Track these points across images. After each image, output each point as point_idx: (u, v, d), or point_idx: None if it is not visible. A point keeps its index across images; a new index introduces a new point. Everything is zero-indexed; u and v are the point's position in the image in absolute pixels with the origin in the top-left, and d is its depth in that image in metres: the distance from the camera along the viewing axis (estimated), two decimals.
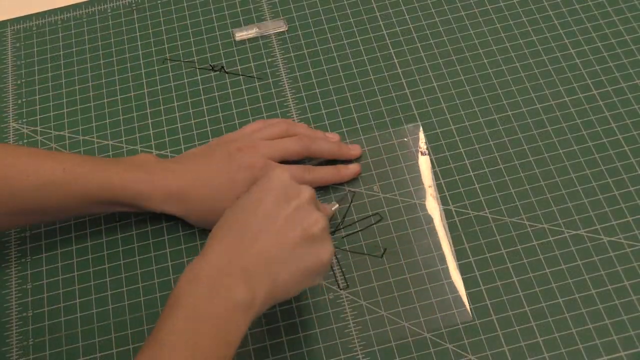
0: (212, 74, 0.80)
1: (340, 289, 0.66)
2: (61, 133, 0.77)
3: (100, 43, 0.84)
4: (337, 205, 0.68)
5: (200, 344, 0.51)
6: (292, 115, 0.76)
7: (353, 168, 0.71)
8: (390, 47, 0.80)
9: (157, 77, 0.80)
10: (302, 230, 0.56)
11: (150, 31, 0.84)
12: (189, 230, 0.70)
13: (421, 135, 0.72)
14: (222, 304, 0.53)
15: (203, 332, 0.52)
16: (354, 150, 0.72)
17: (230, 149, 0.67)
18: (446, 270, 0.66)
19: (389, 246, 0.67)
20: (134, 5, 0.86)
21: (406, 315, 0.64)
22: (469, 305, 0.64)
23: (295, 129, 0.71)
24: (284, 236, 0.56)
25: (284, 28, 0.82)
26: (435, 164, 0.71)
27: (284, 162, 0.68)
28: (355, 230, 0.68)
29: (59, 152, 0.70)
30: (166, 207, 0.67)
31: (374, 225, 0.68)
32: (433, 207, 0.69)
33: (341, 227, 0.69)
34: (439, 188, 0.70)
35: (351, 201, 0.70)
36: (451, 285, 0.65)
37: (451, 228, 0.68)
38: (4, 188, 0.64)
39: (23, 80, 0.82)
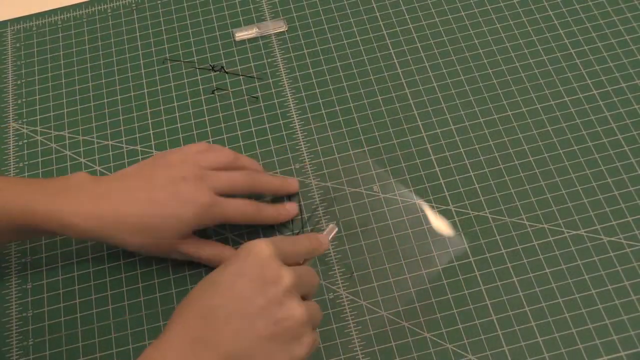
0: (212, 74, 0.80)
1: (351, 274, 0.65)
2: (61, 133, 0.77)
3: (100, 43, 0.84)
4: (336, 229, 0.62)
5: None
6: (292, 115, 0.76)
7: (293, 209, 0.68)
8: (390, 47, 0.80)
9: (157, 77, 0.80)
10: (276, 324, 0.50)
11: (150, 31, 0.84)
12: None
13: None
14: None
15: None
16: (294, 184, 0.69)
17: (173, 176, 0.61)
18: (447, 270, 0.65)
19: (389, 246, 0.67)
20: (134, 5, 0.86)
21: (406, 315, 0.64)
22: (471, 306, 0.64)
23: (242, 161, 0.66)
24: (255, 329, 0.50)
25: (284, 28, 0.82)
26: (435, 164, 0.71)
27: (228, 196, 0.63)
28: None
29: None
30: (97, 235, 0.61)
31: (374, 226, 0.68)
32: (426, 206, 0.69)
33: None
34: (439, 188, 0.70)
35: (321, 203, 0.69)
36: (451, 285, 0.65)
37: (451, 228, 0.68)
38: None
39: (23, 80, 0.82)
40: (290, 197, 0.70)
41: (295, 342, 0.51)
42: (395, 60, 0.79)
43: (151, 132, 0.76)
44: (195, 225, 0.62)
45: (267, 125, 0.76)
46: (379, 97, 0.76)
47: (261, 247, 0.52)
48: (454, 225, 0.68)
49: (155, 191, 0.61)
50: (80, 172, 0.65)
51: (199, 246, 0.64)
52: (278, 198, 0.70)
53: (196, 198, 0.61)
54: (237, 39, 0.82)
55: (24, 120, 0.79)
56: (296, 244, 0.57)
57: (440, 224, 0.68)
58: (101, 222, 0.61)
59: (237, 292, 0.51)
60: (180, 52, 0.82)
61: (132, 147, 0.76)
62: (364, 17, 0.82)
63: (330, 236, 0.61)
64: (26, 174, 0.75)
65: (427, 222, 0.68)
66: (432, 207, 0.69)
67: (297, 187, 0.70)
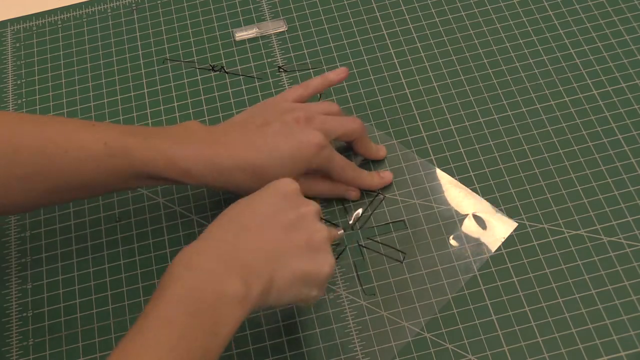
0: (212, 74, 0.80)
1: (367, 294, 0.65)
2: None
3: (100, 43, 0.84)
4: (342, 231, 0.66)
5: (186, 333, 0.49)
6: None
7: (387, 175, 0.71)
8: (390, 47, 0.80)
9: (157, 77, 0.80)
10: (307, 235, 0.56)
11: (150, 31, 0.84)
12: (189, 230, 0.70)
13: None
14: (214, 294, 0.51)
15: (191, 321, 0.50)
16: (383, 149, 0.72)
17: (286, 120, 0.64)
18: (447, 270, 0.66)
19: (389, 247, 0.67)
20: (134, 5, 0.86)
21: (406, 315, 0.64)
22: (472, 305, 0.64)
23: (344, 114, 0.70)
24: (287, 237, 0.55)
25: (283, 28, 0.82)
26: (435, 163, 0.71)
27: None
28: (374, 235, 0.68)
29: (99, 123, 0.65)
30: (217, 180, 0.63)
31: (374, 226, 0.68)
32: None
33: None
34: (439, 188, 0.70)
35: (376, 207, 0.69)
36: (451, 285, 0.65)
37: (451, 228, 0.68)
38: (42, 164, 0.60)
39: (23, 80, 0.82)
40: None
41: (321, 257, 0.56)
42: (395, 60, 0.79)
43: None
44: (307, 166, 0.64)
45: None
46: (379, 97, 0.76)
47: (288, 180, 0.58)
48: (453, 225, 0.68)
49: (270, 136, 0.63)
50: (192, 120, 0.66)
51: (311, 183, 0.67)
52: None
53: (309, 139, 0.64)
54: (237, 39, 0.82)
55: None
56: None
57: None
58: (219, 168, 0.62)
59: (271, 207, 0.56)
60: (180, 52, 0.82)
61: None
62: (364, 17, 0.82)
63: (338, 233, 0.65)
64: None
65: (428, 222, 0.68)
66: (432, 207, 0.69)
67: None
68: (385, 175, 0.70)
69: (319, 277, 0.56)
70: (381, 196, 0.69)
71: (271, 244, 0.55)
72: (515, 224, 0.66)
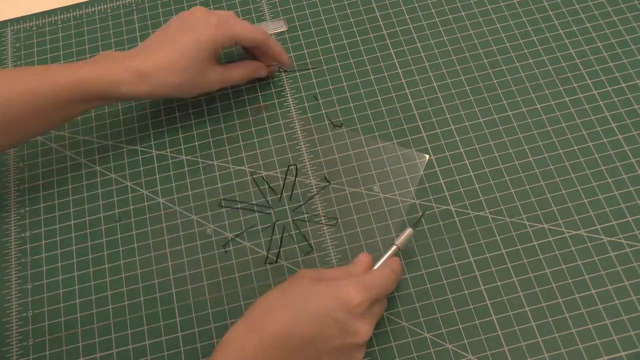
0: None
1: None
2: (61, 133, 0.77)
3: (100, 43, 0.84)
4: (411, 230, 0.64)
5: None
6: (292, 115, 0.76)
7: None
8: (390, 47, 0.80)
9: None
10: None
11: (150, 31, 0.84)
12: (188, 230, 0.70)
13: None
14: None
15: None
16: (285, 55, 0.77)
17: (186, 19, 0.70)
18: (447, 270, 0.66)
19: (389, 247, 0.67)
20: (134, 5, 0.86)
21: (406, 315, 0.64)
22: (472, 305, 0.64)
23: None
24: (320, 356, 0.57)
25: (284, 28, 0.82)
26: (435, 164, 0.71)
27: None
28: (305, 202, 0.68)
29: (29, 66, 0.74)
30: (143, 87, 0.68)
31: (374, 227, 0.68)
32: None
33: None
34: (439, 188, 0.70)
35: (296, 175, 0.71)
36: (451, 284, 0.65)
37: (451, 228, 0.68)
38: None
39: None
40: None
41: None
42: (395, 60, 0.79)
43: (151, 132, 0.76)
44: (213, 43, 0.70)
45: (267, 125, 0.75)
46: (379, 97, 0.76)
47: (355, 293, 0.57)
48: (454, 225, 0.68)
49: (176, 35, 0.70)
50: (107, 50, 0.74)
51: (229, 67, 0.74)
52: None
53: (207, 21, 0.70)
54: None
55: None
56: (385, 285, 0.61)
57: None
58: (144, 72, 0.68)
59: (318, 329, 0.56)
60: None
61: (132, 147, 0.76)
62: (364, 17, 0.82)
63: (406, 232, 0.64)
64: (26, 174, 0.75)
65: (428, 222, 0.68)
66: (432, 207, 0.69)
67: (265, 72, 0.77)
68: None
69: None
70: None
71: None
72: (426, 156, 0.67)
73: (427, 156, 0.66)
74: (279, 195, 0.70)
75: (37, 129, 0.68)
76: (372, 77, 0.78)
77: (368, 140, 0.73)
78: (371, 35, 0.81)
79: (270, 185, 0.72)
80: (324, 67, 0.79)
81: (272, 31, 0.82)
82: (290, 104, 0.77)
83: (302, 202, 0.70)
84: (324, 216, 0.69)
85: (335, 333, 0.56)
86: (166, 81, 0.68)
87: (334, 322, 0.56)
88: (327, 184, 0.70)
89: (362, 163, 0.72)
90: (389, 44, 0.80)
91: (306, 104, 0.77)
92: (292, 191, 0.70)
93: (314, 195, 0.70)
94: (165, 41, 0.70)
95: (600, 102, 0.73)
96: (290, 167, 0.71)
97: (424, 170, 0.70)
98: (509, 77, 0.76)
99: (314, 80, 0.78)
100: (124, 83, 0.67)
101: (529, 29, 0.79)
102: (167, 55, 0.68)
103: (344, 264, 0.67)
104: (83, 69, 0.67)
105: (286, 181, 0.71)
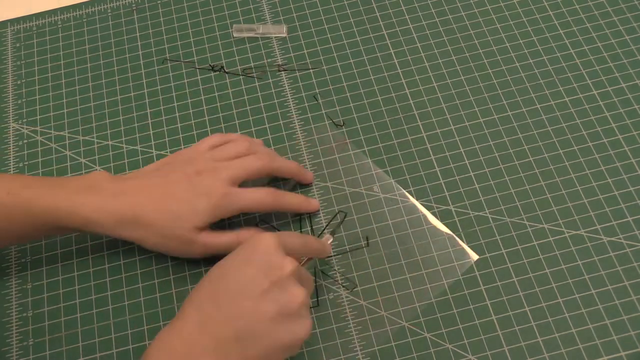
0: (212, 74, 0.80)
1: (349, 290, 0.65)
2: (61, 133, 0.77)
3: (100, 43, 0.84)
4: (332, 239, 0.66)
5: None
6: (292, 115, 0.76)
7: (316, 205, 0.69)
8: (390, 47, 0.80)
9: (157, 77, 0.80)
10: (279, 307, 0.54)
11: (150, 31, 0.84)
12: None
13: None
14: None
15: None
16: (310, 175, 0.71)
17: (188, 172, 0.64)
18: (446, 270, 0.66)
19: (389, 247, 0.67)
20: (134, 5, 0.86)
21: (406, 315, 0.64)
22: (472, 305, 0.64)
23: (255, 147, 0.68)
24: (260, 310, 0.54)
25: (284, 34, 0.82)
26: (435, 164, 0.71)
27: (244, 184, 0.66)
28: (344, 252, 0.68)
29: (6, 174, 0.68)
30: (119, 232, 0.63)
31: (374, 227, 0.69)
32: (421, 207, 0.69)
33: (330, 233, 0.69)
34: (439, 188, 0.70)
35: (341, 221, 0.69)
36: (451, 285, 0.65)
37: (451, 228, 0.68)
38: None
39: (23, 80, 0.82)
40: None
41: (296, 323, 0.55)
42: (395, 60, 0.79)
43: (151, 132, 0.76)
44: (210, 217, 0.63)
45: (267, 125, 0.75)
46: (379, 97, 0.76)
47: (267, 238, 0.56)
48: (454, 225, 0.68)
49: (171, 187, 0.64)
50: (97, 170, 0.67)
51: (216, 235, 0.65)
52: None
53: (210, 190, 0.63)
54: (236, 39, 0.82)
55: (24, 120, 0.79)
56: (303, 242, 0.61)
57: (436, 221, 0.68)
58: (121, 219, 0.63)
59: (243, 277, 0.55)
60: (180, 52, 0.82)
61: (132, 147, 0.76)
62: (364, 17, 0.82)
63: (328, 242, 0.65)
64: (26, 174, 0.75)
65: (427, 222, 0.68)
66: (432, 207, 0.69)
67: (312, 178, 0.71)
68: (313, 201, 0.69)
69: (293, 344, 0.55)
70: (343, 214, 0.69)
71: (243, 320, 0.54)
72: (476, 257, 0.66)
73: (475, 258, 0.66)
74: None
75: (3, 244, 0.66)
76: (372, 77, 0.78)
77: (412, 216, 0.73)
78: (371, 35, 0.81)
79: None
80: (324, 67, 0.79)
81: (273, 35, 0.82)
82: (290, 104, 0.77)
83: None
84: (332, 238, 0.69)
85: (257, 273, 0.54)
86: (143, 238, 0.64)
87: (253, 263, 0.55)
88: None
89: (362, 163, 0.72)
90: (389, 44, 0.80)
91: (306, 104, 0.77)
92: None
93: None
94: (156, 192, 0.64)
95: (600, 102, 0.73)
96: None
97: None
98: (509, 77, 0.76)
99: (314, 80, 0.78)
100: (103, 226, 0.63)
101: (529, 29, 0.79)
102: (153, 214, 0.63)
103: (343, 263, 0.67)
104: (61, 200, 0.62)
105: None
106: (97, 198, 0.63)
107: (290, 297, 0.55)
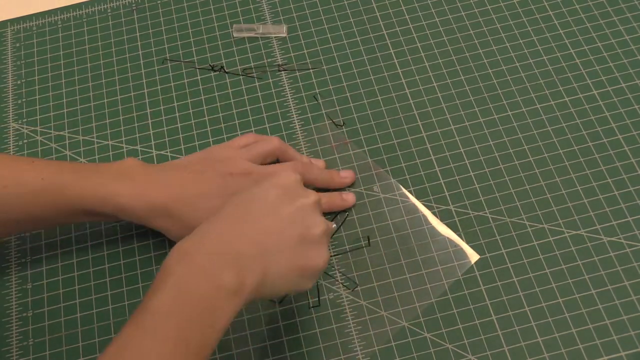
0: (212, 74, 0.80)
1: (351, 289, 0.65)
2: (61, 133, 0.77)
3: (100, 43, 0.84)
4: (334, 226, 0.66)
5: (183, 326, 0.50)
6: (292, 115, 0.76)
7: (351, 199, 0.70)
8: (390, 47, 0.80)
9: (157, 77, 0.80)
10: (303, 229, 0.56)
11: (150, 31, 0.84)
12: None
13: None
14: (209, 287, 0.51)
15: (188, 315, 0.50)
16: (347, 178, 0.71)
17: (222, 172, 0.65)
18: (446, 270, 0.66)
19: (389, 247, 0.67)
20: (134, 5, 0.86)
21: (406, 315, 0.64)
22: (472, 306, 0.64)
23: (288, 151, 0.69)
24: (284, 230, 0.55)
25: (284, 34, 0.82)
26: (435, 164, 0.71)
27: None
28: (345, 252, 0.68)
29: (40, 159, 0.68)
30: (150, 220, 0.64)
31: (374, 227, 0.69)
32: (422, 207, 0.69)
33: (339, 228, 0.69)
34: (439, 188, 0.70)
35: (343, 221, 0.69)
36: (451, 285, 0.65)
37: (451, 228, 0.68)
38: None
39: (23, 80, 0.82)
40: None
41: (317, 250, 0.56)
42: (395, 60, 0.79)
43: (151, 132, 0.76)
44: None
45: (267, 126, 0.76)
46: (379, 97, 0.76)
47: (289, 172, 0.59)
48: (454, 225, 0.68)
49: (205, 184, 0.64)
50: (131, 157, 0.67)
51: None
52: None
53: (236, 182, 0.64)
54: (236, 39, 0.82)
55: (24, 120, 0.79)
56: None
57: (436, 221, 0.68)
58: (152, 207, 0.63)
59: (270, 199, 0.56)
60: (180, 52, 0.82)
61: (132, 147, 0.76)
62: (364, 17, 0.82)
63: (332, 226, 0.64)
64: None
65: (427, 222, 0.68)
66: (432, 207, 0.69)
67: (351, 179, 0.71)
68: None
69: (312, 270, 0.56)
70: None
71: (266, 237, 0.54)
72: (477, 256, 0.66)
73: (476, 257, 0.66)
74: None
75: (34, 229, 0.68)
76: (372, 77, 0.78)
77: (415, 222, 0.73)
78: (371, 35, 0.81)
79: None
80: (324, 67, 0.79)
81: (273, 35, 0.82)
82: (290, 104, 0.77)
83: None
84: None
85: (284, 197, 0.56)
86: (169, 228, 0.65)
87: (280, 189, 0.57)
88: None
89: (362, 163, 0.72)
90: (389, 44, 0.80)
91: (306, 104, 0.77)
92: None
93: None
94: (189, 188, 0.65)
95: (600, 102, 0.73)
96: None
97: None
98: (509, 77, 0.76)
99: (314, 80, 0.78)
100: (134, 213, 0.64)
101: (529, 29, 0.79)
102: (185, 209, 0.64)
103: (343, 263, 0.67)
104: (95, 186, 0.63)
105: None
106: (132, 185, 0.63)
107: (315, 222, 0.56)
